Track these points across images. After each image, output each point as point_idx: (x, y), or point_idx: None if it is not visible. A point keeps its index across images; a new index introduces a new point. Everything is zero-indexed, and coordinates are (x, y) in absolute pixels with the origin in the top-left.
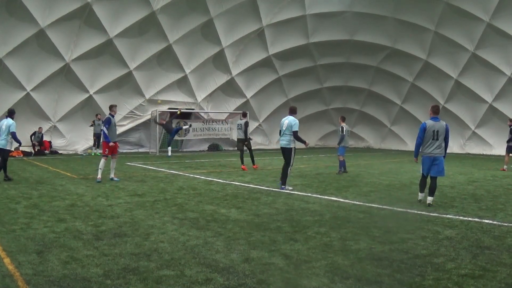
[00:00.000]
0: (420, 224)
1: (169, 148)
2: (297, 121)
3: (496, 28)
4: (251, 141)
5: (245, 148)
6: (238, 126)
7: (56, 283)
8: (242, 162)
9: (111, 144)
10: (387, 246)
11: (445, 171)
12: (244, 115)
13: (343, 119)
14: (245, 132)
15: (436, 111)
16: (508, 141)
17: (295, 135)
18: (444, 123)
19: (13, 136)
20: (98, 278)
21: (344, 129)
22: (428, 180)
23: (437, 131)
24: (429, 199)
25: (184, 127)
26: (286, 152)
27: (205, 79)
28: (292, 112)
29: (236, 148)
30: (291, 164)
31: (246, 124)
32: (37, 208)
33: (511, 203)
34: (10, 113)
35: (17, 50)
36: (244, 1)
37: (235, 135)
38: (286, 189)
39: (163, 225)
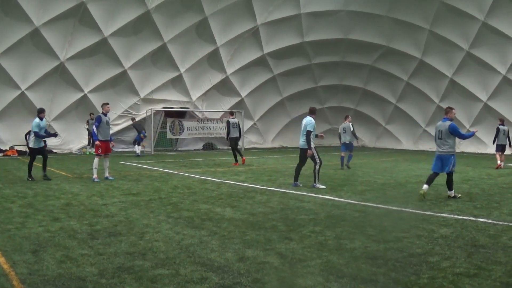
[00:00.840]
0: (415, 223)
1: (138, 147)
2: (313, 121)
3: (491, 27)
4: None
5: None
6: (234, 125)
7: (51, 282)
8: (236, 160)
9: (97, 143)
10: (382, 245)
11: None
12: (232, 113)
13: (345, 118)
14: (240, 130)
15: (445, 112)
16: (494, 141)
17: (306, 135)
18: (449, 123)
19: (35, 135)
20: (93, 277)
21: (339, 127)
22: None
23: (441, 131)
24: (448, 192)
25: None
26: (303, 153)
27: (200, 78)
28: (310, 112)
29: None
30: (317, 161)
31: (238, 123)
32: (32, 207)
33: (506, 201)
34: (37, 112)
35: (12, 49)
36: (238, 0)
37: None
38: (318, 187)
39: (158, 224)
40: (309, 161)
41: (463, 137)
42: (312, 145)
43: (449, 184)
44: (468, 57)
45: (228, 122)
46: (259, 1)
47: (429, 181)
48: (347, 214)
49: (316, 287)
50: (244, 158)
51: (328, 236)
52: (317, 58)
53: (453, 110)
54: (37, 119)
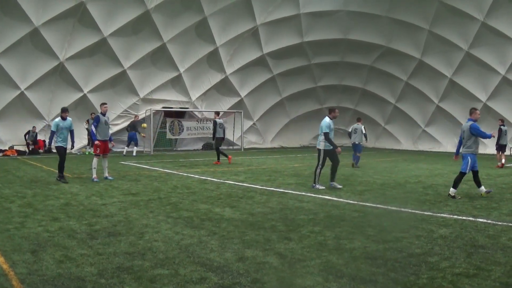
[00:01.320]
0: (415, 223)
1: (126, 148)
2: (327, 121)
3: (490, 27)
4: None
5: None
6: (220, 126)
7: (50, 282)
8: (226, 155)
9: (96, 142)
10: (381, 245)
11: (443, 170)
12: (218, 113)
13: (357, 120)
14: (224, 131)
15: (469, 112)
16: (497, 141)
17: (325, 137)
18: (470, 123)
19: (51, 134)
20: (92, 277)
21: (351, 128)
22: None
23: (463, 131)
24: (450, 190)
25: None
26: (324, 153)
27: (199, 78)
28: (328, 112)
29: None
30: (318, 165)
31: (223, 123)
32: (31, 207)
33: (505, 202)
34: (61, 111)
35: (11, 49)
36: (238, 0)
37: (230, 134)
38: (318, 188)
39: (157, 224)
40: (313, 161)
41: (484, 136)
42: (322, 147)
43: (455, 182)
44: (467, 57)
45: (214, 122)
46: (258, 1)
47: (478, 183)
48: (346, 214)
49: (315, 287)
50: (230, 156)
51: (327, 236)
52: (317, 58)
53: (477, 111)
54: (57, 119)
